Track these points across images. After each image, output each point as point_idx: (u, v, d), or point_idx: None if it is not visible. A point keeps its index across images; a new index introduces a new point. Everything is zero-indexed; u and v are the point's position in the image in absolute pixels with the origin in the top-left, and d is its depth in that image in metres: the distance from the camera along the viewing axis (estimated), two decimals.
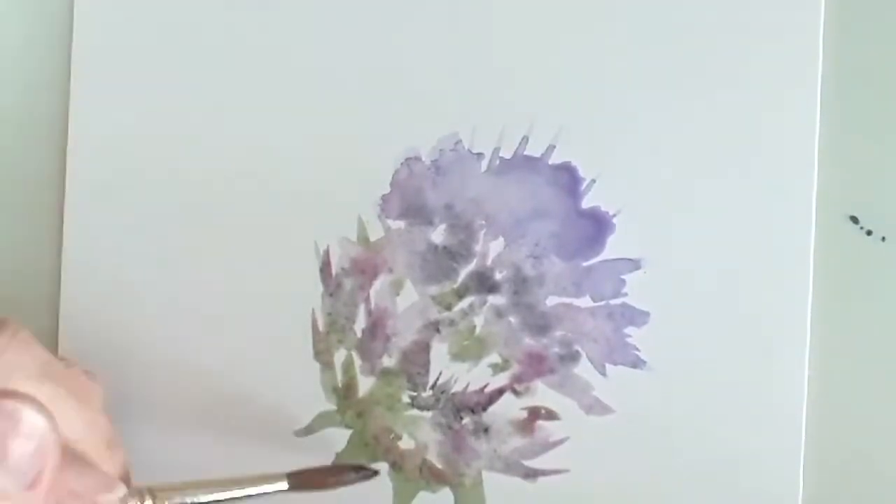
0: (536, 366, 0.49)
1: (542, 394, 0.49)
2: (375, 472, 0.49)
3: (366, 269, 0.51)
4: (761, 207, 0.48)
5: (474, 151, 0.50)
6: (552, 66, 0.49)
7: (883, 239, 0.48)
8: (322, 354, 0.51)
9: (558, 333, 0.49)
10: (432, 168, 0.50)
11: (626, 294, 0.49)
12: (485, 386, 0.50)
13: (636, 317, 0.49)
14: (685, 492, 0.48)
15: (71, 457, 0.39)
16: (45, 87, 0.54)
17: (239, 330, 0.52)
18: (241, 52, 0.52)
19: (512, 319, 0.49)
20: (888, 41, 0.48)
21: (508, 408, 0.50)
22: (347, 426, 0.51)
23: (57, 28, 0.54)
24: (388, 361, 0.51)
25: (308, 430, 0.51)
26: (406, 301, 0.50)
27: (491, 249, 0.50)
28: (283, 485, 0.46)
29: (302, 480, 0.46)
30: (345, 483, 0.48)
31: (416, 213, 0.50)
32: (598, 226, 0.49)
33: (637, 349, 0.49)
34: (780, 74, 0.48)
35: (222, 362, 0.52)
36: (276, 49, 0.52)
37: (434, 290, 0.50)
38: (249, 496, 0.45)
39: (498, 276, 0.50)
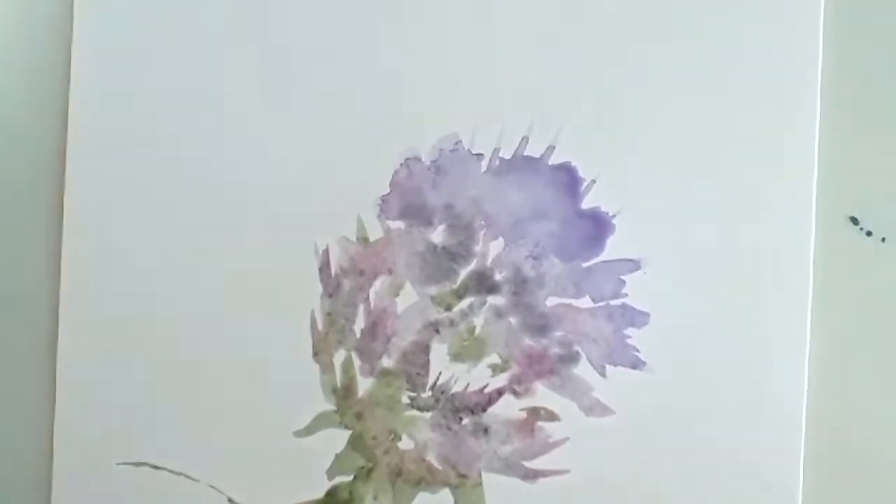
0: (536, 366, 0.49)
1: (542, 395, 0.49)
2: None
3: (365, 270, 0.51)
4: (761, 208, 0.48)
5: (474, 152, 0.50)
6: (552, 66, 0.49)
7: (883, 240, 0.48)
8: (321, 355, 0.51)
9: (558, 334, 0.49)
10: (432, 168, 0.50)
11: (625, 295, 0.49)
12: (484, 386, 0.50)
13: (636, 317, 0.49)
14: (685, 492, 0.48)
15: None
16: (45, 88, 0.54)
17: (238, 330, 0.52)
18: (241, 54, 0.52)
19: (512, 320, 0.49)
20: (888, 41, 0.48)
21: (508, 408, 0.50)
22: (347, 427, 0.51)
23: (57, 29, 0.54)
24: (387, 362, 0.51)
25: (307, 431, 0.51)
26: (406, 301, 0.50)
27: (491, 250, 0.50)
28: None
29: None
30: None
31: (416, 213, 0.50)
32: (597, 226, 0.49)
33: (637, 350, 0.49)
34: (780, 75, 0.48)
35: (221, 362, 0.52)
36: (276, 50, 0.52)
37: (434, 290, 0.50)
38: None
39: (498, 276, 0.49)
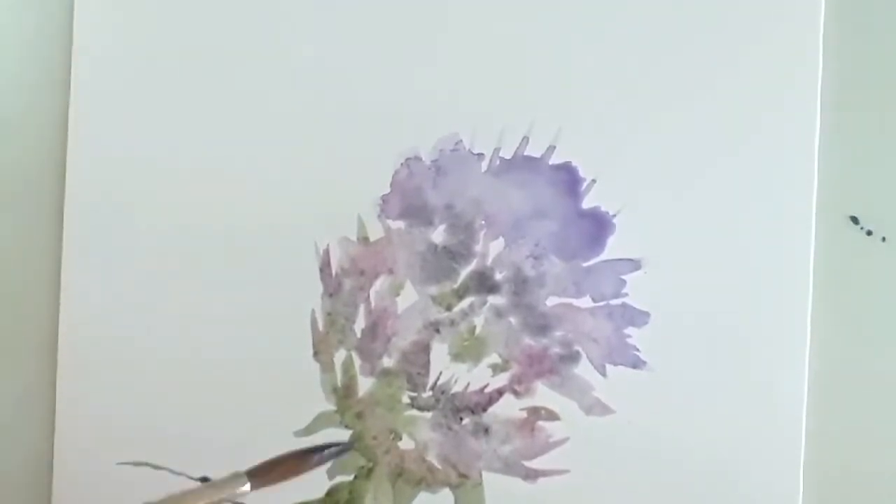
0: (536, 366, 0.49)
1: (542, 394, 0.49)
2: (347, 446, 0.49)
3: (366, 270, 0.51)
4: (762, 208, 0.48)
5: (475, 151, 0.50)
6: (552, 67, 0.49)
7: (883, 239, 0.48)
8: (322, 355, 0.51)
9: (558, 334, 0.49)
10: (432, 168, 0.50)
11: (626, 294, 0.49)
12: (485, 386, 0.50)
13: (636, 317, 0.48)
14: (685, 492, 0.48)
15: None
16: (45, 88, 0.54)
17: (238, 330, 0.52)
18: (241, 54, 0.52)
19: (512, 320, 0.49)
20: (888, 41, 0.48)
21: (508, 408, 0.50)
22: (347, 426, 0.51)
23: (57, 29, 0.54)
24: (387, 362, 0.51)
25: (308, 431, 0.51)
26: (406, 301, 0.50)
27: (491, 249, 0.50)
28: (245, 486, 0.43)
29: (264, 476, 0.44)
30: (311, 467, 0.46)
31: (417, 213, 0.50)
32: (598, 226, 0.49)
33: (637, 349, 0.48)
34: (780, 75, 0.48)
35: (222, 362, 0.52)
36: (277, 50, 0.52)
37: (434, 290, 0.50)
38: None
39: (498, 276, 0.49)
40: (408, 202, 0.50)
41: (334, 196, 0.51)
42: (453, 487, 0.50)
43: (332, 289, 0.51)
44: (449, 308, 0.50)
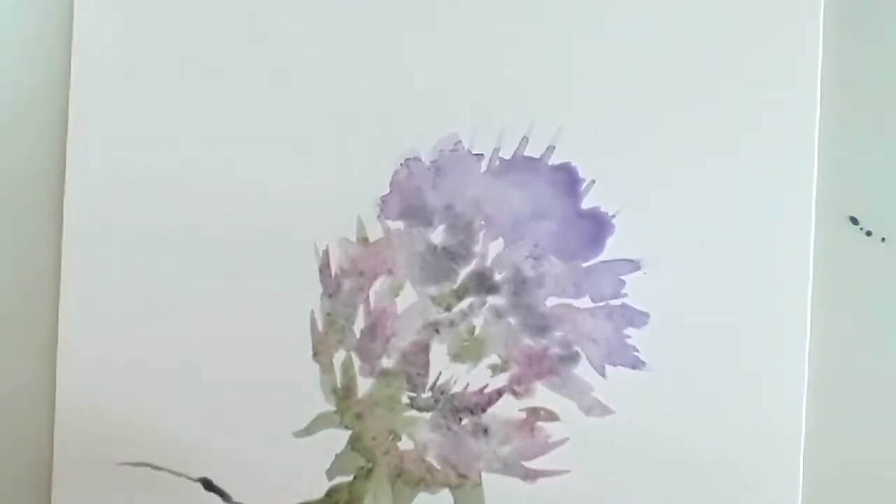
0: (536, 367, 0.49)
1: (542, 395, 0.49)
2: None
3: (365, 270, 0.51)
4: (761, 208, 0.48)
5: (474, 152, 0.50)
6: (552, 67, 0.49)
7: (883, 240, 0.48)
8: (321, 355, 0.51)
9: (558, 334, 0.49)
10: (432, 168, 0.50)
11: (625, 295, 0.49)
12: (484, 387, 0.50)
13: (636, 317, 0.48)
14: (685, 492, 0.48)
15: None
16: (45, 88, 0.54)
17: (238, 330, 0.52)
18: (240, 54, 0.52)
19: (511, 320, 0.49)
20: (888, 41, 0.48)
21: (508, 409, 0.50)
22: (347, 427, 0.51)
23: (57, 29, 0.54)
24: (387, 362, 0.50)
25: (307, 431, 0.51)
26: (405, 302, 0.50)
27: (490, 250, 0.49)
28: None
29: None
30: None
31: (416, 213, 0.50)
32: (597, 226, 0.49)
33: (637, 350, 0.48)
34: (780, 75, 0.48)
35: (221, 362, 0.52)
36: (277, 50, 0.52)
37: (433, 290, 0.50)
38: None
39: (497, 276, 0.49)
40: (407, 203, 0.50)
41: (334, 197, 0.51)
42: (453, 488, 0.50)
43: (331, 289, 0.51)
44: (448, 308, 0.50)
